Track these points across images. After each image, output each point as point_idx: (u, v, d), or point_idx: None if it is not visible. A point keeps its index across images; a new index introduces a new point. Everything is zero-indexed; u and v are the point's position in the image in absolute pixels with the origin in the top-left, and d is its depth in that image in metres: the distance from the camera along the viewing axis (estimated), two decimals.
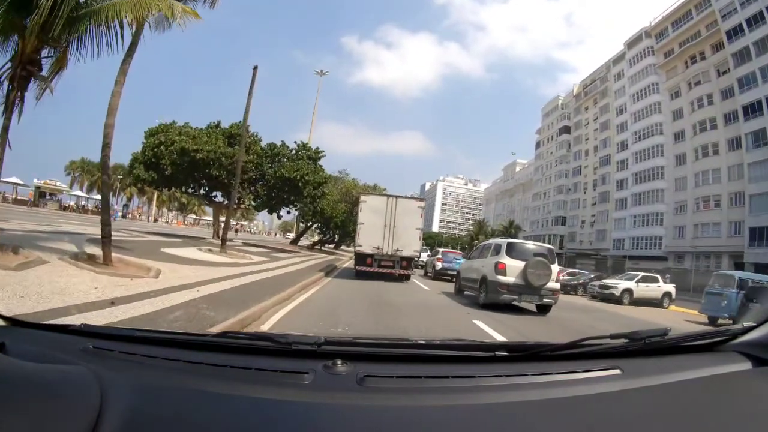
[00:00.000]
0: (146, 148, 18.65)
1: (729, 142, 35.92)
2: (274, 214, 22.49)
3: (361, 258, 13.12)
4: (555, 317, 8.61)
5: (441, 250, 20.80)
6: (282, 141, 20.61)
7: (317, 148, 21.07)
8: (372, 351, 1.24)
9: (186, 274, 7.31)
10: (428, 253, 22.33)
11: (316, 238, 41.01)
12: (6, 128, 6.38)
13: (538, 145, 67.65)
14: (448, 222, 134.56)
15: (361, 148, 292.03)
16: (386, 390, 1.00)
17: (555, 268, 8.70)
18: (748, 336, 1.26)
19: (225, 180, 17.33)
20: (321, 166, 20.58)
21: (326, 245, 39.35)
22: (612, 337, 1.32)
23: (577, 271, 25.48)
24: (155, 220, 58.12)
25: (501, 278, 8.46)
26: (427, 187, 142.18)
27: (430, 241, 61.70)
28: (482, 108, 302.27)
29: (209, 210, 65.20)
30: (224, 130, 19.11)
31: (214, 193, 20.65)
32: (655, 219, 41.92)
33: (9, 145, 6.45)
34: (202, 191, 20.92)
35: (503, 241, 9.53)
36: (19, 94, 6.59)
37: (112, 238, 12.07)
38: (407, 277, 13.57)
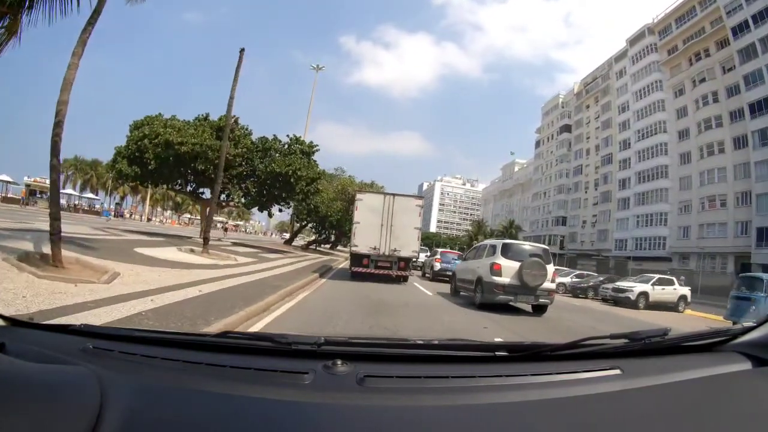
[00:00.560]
0: (130, 142, 17.55)
1: (735, 141, 35.25)
2: (274, 213, 21.37)
3: (356, 258, 12.60)
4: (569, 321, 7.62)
5: (440, 250, 20.02)
6: (274, 135, 19.50)
7: (311, 142, 19.84)
8: (372, 351, 1.23)
9: (149, 278, 6.26)
10: (427, 253, 21.43)
11: (312, 238, 39.90)
12: None
13: (537, 144, 66.71)
14: (445, 222, 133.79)
15: (359, 148, 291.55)
16: (386, 390, 1.00)
17: (550, 268, 8.68)
18: (748, 336, 1.26)
19: (212, 175, 16.23)
20: (315, 161, 19.45)
21: (322, 245, 38.21)
22: (612, 337, 1.32)
23: (586, 273, 24.50)
24: (148, 219, 56.93)
25: (496, 279, 8.45)
26: (425, 187, 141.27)
27: (428, 241, 60.70)
28: (480, 108, 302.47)
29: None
30: (213, 123, 17.92)
31: (201, 190, 19.49)
32: (659, 219, 41.06)
33: None
34: (188, 188, 19.70)
35: (498, 242, 9.49)
36: None
37: (84, 236, 11.09)
38: (405, 279, 13.10)
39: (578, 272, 23.21)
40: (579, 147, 56.34)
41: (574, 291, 20.08)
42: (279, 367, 1.06)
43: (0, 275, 4.99)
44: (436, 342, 1.38)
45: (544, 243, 54.32)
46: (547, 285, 8.53)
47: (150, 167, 16.68)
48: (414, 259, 13.67)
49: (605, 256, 45.23)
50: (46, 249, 6.87)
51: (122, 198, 62.73)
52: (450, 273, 15.04)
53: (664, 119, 42.25)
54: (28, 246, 7.28)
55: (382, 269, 12.41)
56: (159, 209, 70.81)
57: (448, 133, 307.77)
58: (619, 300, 15.56)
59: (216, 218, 63.65)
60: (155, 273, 6.79)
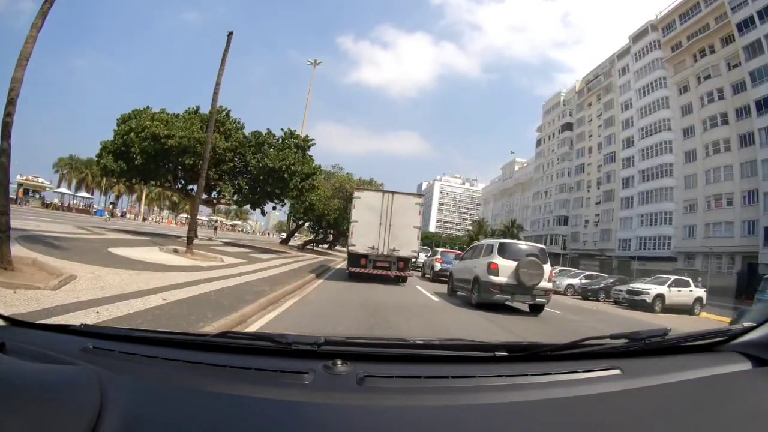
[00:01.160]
0: (116, 136, 16.68)
1: (741, 138, 34.68)
2: (271, 212, 20.50)
3: (354, 258, 12.20)
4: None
5: (440, 250, 19.32)
6: (268, 129, 18.43)
7: (306, 135, 18.85)
8: (372, 351, 1.24)
9: (109, 282, 5.41)
10: (428, 253, 20.68)
11: (309, 237, 39.00)
12: None
13: (538, 142, 65.91)
14: (445, 222, 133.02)
15: (358, 148, 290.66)
16: (386, 390, 0.99)
17: (547, 268, 8.68)
18: (748, 336, 1.26)
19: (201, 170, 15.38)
20: (310, 156, 18.48)
21: (320, 245, 37.31)
22: (612, 337, 1.32)
23: (595, 274, 23.65)
24: (144, 219, 56.01)
25: (493, 278, 8.46)
26: (424, 186, 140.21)
27: (427, 241, 60.01)
28: (479, 108, 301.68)
29: (204, 209, 63.50)
30: (203, 116, 17.00)
31: (191, 187, 18.55)
32: (664, 218, 40.27)
33: None
34: (178, 184, 18.73)
35: (495, 242, 9.47)
36: None
37: (62, 235, 10.27)
38: (404, 279, 12.73)
39: (587, 273, 22.39)
40: (581, 145, 55.56)
41: (584, 293, 19.32)
42: (279, 367, 1.06)
43: None
44: (435, 342, 1.37)
45: (545, 243, 53.96)
46: (544, 284, 8.54)
47: (136, 162, 15.80)
48: (413, 259, 13.23)
49: (608, 256, 44.50)
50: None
51: (117, 197, 61.76)
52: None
53: (668, 117, 41.53)
54: None
55: (380, 269, 12.04)
56: (156, 209, 69.81)
57: (446, 133, 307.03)
58: (635, 303, 14.71)
59: (211, 217, 63.05)
60: (120, 276, 5.94)
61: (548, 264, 8.88)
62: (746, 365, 1.15)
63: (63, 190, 51.99)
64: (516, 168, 79.79)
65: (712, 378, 1.10)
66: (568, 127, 58.09)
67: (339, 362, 1.03)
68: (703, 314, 15.31)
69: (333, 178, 30.04)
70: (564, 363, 1.19)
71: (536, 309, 8.90)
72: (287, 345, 1.15)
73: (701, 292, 16.00)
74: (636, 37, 46.84)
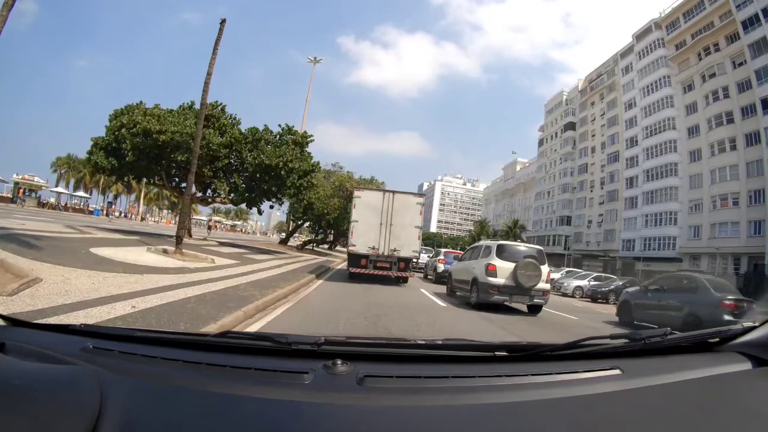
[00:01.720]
0: (108, 132, 16.11)
1: (747, 137, 34.13)
2: (272, 212, 19.88)
3: (354, 259, 12.04)
4: None
5: (443, 250, 18.75)
6: (265, 125, 17.81)
7: (304, 132, 18.20)
8: (372, 351, 1.24)
9: (77, 286, 4.84)
10: (431, 254, 20.12)
11: (309, 237, 38.39)
12: None
13: (540, 142, 65.32)
14: (446, 222, 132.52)
15: (358, 149, 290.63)
16: (386, 390, 0.99)
17: (545, 269, 8.74)
18: (748, 336, 1.26)
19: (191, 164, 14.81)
20: (309, 152, 17.78)
21: (320, 245, 36.72)
22: (612, 337, 1.33)
23: (604, 275, 23.01)
24: (142, 219, 55.45)
25: (491, 279, 8.52)
26: (425, 187, 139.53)
27: (428, 241, 59.52)
28: (480, 108, 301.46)
29: (203, 209, 62.81)
30: (197, 112, 16.41)
31: (184, 184, 17.94)
32: (669, 218, 39.67)
33: None
34: (172, 183, 18.11)
35: (493, 243, 9.53)
36: None
37: (43, 234, 9.69)
38: (404, 280, 12.58)
39: (596, 275, 21.74)
40: (584, 145, 54.98)
41: (594, 295, 18.70)
42: (279, 367, 1.06)
43: None
44: (435, 342, 1.36)
45: (548, 243, 53.46)
46: (542, 285, 8.60)
47: (127, 159, 15.22)
48: (414, 260, 12.98)
49: (612, 257, 43.92)
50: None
51: (116, 197, 61.14)
52: None
53: (672, 115, 40.95)
54: None
55: (381, 270, 11.88)
56: (155, 209, 69.21)
57: (447, 133, 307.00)
58: None
59: (212, 217, 62.32)
60: (92, 280, 5.36)
61: (546, 265, 8.94)
62: (746, 365, 1.15)
63: (59, 189, 51.38)
64: (518, 168, 79.26)
65: (712, 378, 1.10)
66: (571, 126, 57.51)
67: (339, 362, 1.03)
68: None
69: (333, 176, 29.46)
70: (564, 363, 1.18)
71: (534, 309, 9.01)
72: (287, 345, 1.14)
73: None
74: (639, 35, 46.32)
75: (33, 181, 42.61)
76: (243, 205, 19.21)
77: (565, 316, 10.24)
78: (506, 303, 8.60)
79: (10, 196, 40.86)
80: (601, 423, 0.93)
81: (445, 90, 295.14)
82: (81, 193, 53.45)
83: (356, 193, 12.79)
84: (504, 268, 8.54)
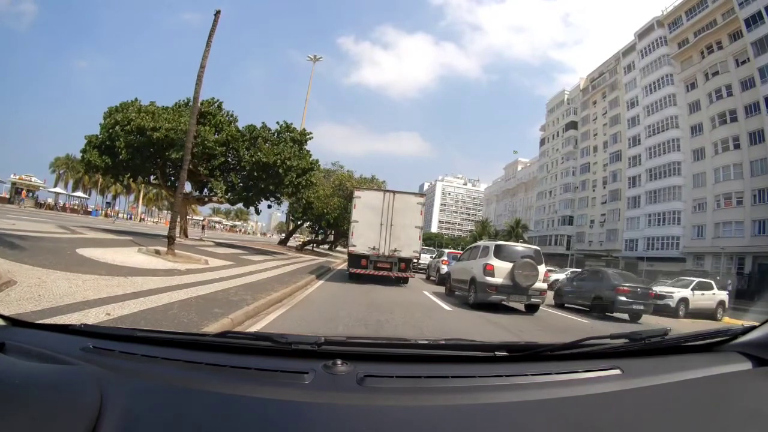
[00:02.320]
0: (102, 130, 15.77)
1: (750, 136, 33.78)
2: (273, 213, 19.52)
3: (355, 259, 11.96)
4: None
5: (446, 251, 18.40)
6: (263, 122, 17.40)
7: (303, 129, 17.77)
8: (372, 351, 1.24)
9: (53, 290, 4.46)
10: (433, 255, 19.76)
11: (309, 237, 37.99)
12: None
13: (542, 142, 64.95)
14: (447, 223, 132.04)
15: (358, 149, 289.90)
16: (386, 390, 0.99)
17: (542, 269, 8.90)
18: (748, 336, 1.25)
19: (189, 165, 14.41)
20: (308, 150, 17.36)
21: (320, 246, 36.32)
22: (612, 337, 1.32)
23: None
24: (141, 219, 55.07)
25: (489, 279, 8.64)
26: (426, 187, 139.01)
27: (429, 242, 59.09)
28: (480, 109, 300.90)
29: (202, 210, 62.36)
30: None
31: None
32: (672, 218, 39.27)
33: None
34: (167, 181, 17.71)
35: (491, 243, 9.65)
36: None
37: (31, 234, 9.34)
38: (405, 281, 12.50)
39: None
40: (586, 144, 54.61)
41: None
42: (279, 366, 1.06)
43: None
44: (435, 342, 1.36)
45: (549, 243, 53.08)
46: (539, 285, 8.75)
47: (121, 157, 14.86)
48: (415, 260, 12.88)
49: (615, 257, 43.48)
50: None
51: (114, 197, 60.74)
52: None
53: (675, 114, 40.62)
54: None
55: (381, 270, 11.83)
56: (155, 209, 68.80)
57: (447, 133, 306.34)
58: (657, 307, 13.59)
59: (211, 218, 61.87)
60: (70, 283, 4.98)
61: (543, 265, 9.08)
62: (746, 365, 1.15)
63: (57, 189, 51.02)
64: (519, 168, 78.93)
65: (712, 378, 1.10)
66: (573, 125, 57.15)
67: (339, 362, 1.03)
68: (726, 319, 14.23)
69: (333, 175, 29.07)
70: (564, 363, 1.18)
71: (531, 309, 9.17)
72: (287, 345, 1.14)
73: (724, 295, 15.02)
74: (642, 34, 45.99)
75: (30, 181, 42.32)
76: (240, 205, 18.82)
77: (580, 321, 9.87)
78: (504, 302, 8.71)
79: (7, 196, 40.56)
80: (601, 423, 0.93)
81: (445, 90, 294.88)
82: (79, 194, 53.06)
83: (356, 193, 12.71)
84: (501, 267, 8.67)
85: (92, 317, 3.65)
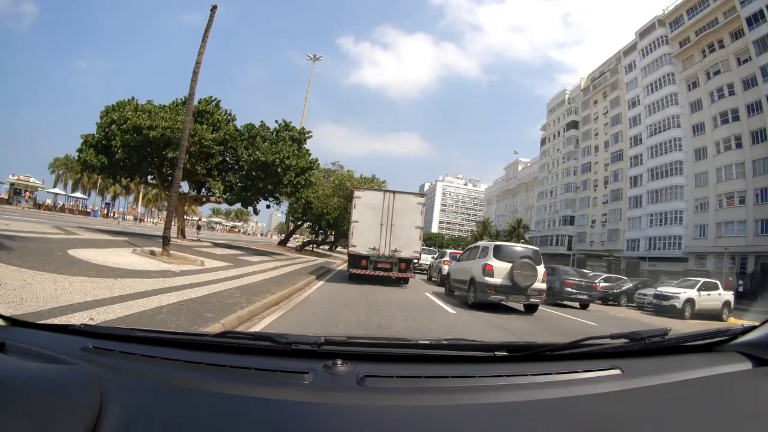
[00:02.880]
0: (99, 129, 15.55)
1: (753, 135, 33.55)
2: (273, 213, 19.25)
3: (355, 260, 11.96)
4: None
5: (448, 251, 18.15)
6: (261, 121, 17.13)
7: (302, 127, 17.52)
8: (372, 351, 1.23)
9: (37, 294, 4.24)
10: (434, 255, 19.52)
11: (309, 238, 37.77)
12: None
13: (543, 141, 64.69)
14: (447, 223, 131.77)
15: (359, 149, 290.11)
16: (386, 390, 0.99)
17: (540, 269, 8.93)
18: (748, 336, 1.25)
19: (187, 165, 14.21)
20: (307, 149, 17.07)
21: (320, 246, 36.11)
22: (612, 337, 1.32)
23: (614, 276, 22.37)
24: (140, 220, 54.87)
25: (488, 279, 8.67)
26: (426, 187, 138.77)
27: (430, 242, 58.83)
28: (480, 109, 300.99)
29: (202, 210, 62.09)
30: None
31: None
32: (674, 217, 39.00)
33: None
34: (165, 181, 17.47)
35: (490, 244, 9.71)
36: None
37: (23, 234, 9.12)
38: (405, 281, 12.46)
39: (605, 276, 21.13)
40: (587, 144, 54.36)
41: (604, 298, 18.06)
42: (279, 366, 1.06)
43: None
44: (435, 342, 1.36)
45: (551, 243, 52.81)
46: (538, 285, 8.79)
47: (117, 156, 14.64)
48: (415, 260, 12.85)
49: (616, 257, 43.27)
50: None
51: (114, 198, 60.54)
52: None
53: (677, 113, 40.37)
54: None
55: (381, 270, 11.81)
56: (155, 210, 68.59)
57: (448, 133, 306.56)
58: (662, 308, 13.41)
59: (212, 218, 61.59)
60: (57, 285, 4.77)
61: (542, 265, 9.12)
62: (746, 365, 1.15)
63: (56, 190, 50.83)
64: (520, 168, 78.68)
65: (712, 378, 1.10)
66: (574, 125, 56.89)
67: (339, 362, 1.03)
68: (731, 319, 14.02)
69: (333, 175, 28.83)
70: (564, 363, 1.18)
71: (530, 309, 9.22)
72: (287, 345, 1.13)
73: (729, 296, 14.81)
74: (643, 33, 45.77)
75: (29, 182, 42.09)
76: (239, 205, 18.59)
77: (587, 323, 9.65)
78: (503, 302, 8.74)
79: (6, 197, 40.36)
80: (601, 423, 0.93)
81: (445, 90, 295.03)
82: (78, 194, 52.84)
83: (356, 193, 12.64)
84: (501, 268, 8.70)
85: (75, 321, 3.44)
